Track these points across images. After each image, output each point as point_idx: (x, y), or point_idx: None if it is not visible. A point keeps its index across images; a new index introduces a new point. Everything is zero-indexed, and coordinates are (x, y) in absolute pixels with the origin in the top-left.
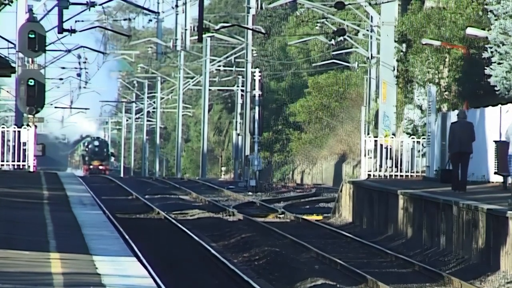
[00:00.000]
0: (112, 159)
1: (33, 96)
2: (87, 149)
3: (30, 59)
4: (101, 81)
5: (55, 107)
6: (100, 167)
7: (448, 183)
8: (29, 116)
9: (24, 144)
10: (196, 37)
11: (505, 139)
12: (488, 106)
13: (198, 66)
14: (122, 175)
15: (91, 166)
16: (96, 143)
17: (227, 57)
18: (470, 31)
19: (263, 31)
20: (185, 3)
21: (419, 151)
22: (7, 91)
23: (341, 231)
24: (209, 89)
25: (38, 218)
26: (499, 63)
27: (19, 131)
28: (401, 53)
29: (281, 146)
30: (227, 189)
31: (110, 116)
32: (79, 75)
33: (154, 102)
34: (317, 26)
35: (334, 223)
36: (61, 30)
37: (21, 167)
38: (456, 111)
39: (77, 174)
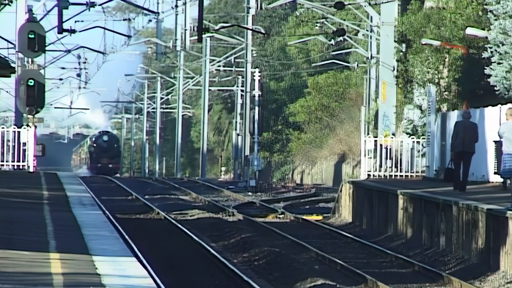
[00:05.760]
0: None
1: (33, 96)
2: (94, 145)
3: (29, 59)
4: (102, 81)
5: (55, 107)
6: (110, 165)
7: (452, 182)
8: (29, 116)
9: (24, 144)
10: (196, 37)
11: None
12: (487, 106)
13: (198, 66)
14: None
15: (99, 164)
16: (105, 138)
17: (227, 57)
18: (469, 31)
19: (262, 31)
20: (184, 3)
21: (418, 151)
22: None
23: (341, 231)
24: (209, 89)
25: (38, 219)
26: (498, 63)
27: (19, 131)
28: (401, 53)
29: (281, 146)
30: (227, 189)
31: (110, 118)
32: (79, 75)
33: (154, 102)
34: (316, 26)
35: (334, 223)
36: (60, 30)
37: (21, 167)
38: (456, 111)
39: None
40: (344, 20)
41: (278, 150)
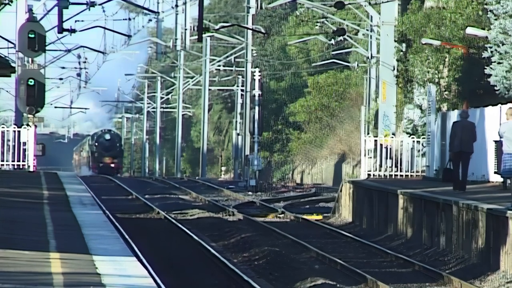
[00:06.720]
0: None
1: (33, 96)
2: (96, 143)
3: (30, 59)
4: (102, 81)
5: (55, 107)
6: (112, 165)
7: (450, 182)
8: (29, 116)
9: (24, 144)
10: (196, 37)
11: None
12: (488, 106)
13: (198, 66)
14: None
15: (101, 164)
16: (108, 136)
17: (227, 57)
18: (470, 30)
19: (263, 31)
20: (185, 3)
21: (419, 150)
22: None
23: (341, 230)
24: (209, 89)
25: (38, 218)
26: (499, 63)
27: (19, 131)
28: (401, 52)
29: (281, 146)
30: (227, 189)
31: (110, 118)
32: (79, 75)
33: (154, 102)
34: (317, 26)
35: (334, 222)
36: (61, 30)
37: (21, 167)
38: (456, 111)
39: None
40: (344, 19)
41: (278, 150)
